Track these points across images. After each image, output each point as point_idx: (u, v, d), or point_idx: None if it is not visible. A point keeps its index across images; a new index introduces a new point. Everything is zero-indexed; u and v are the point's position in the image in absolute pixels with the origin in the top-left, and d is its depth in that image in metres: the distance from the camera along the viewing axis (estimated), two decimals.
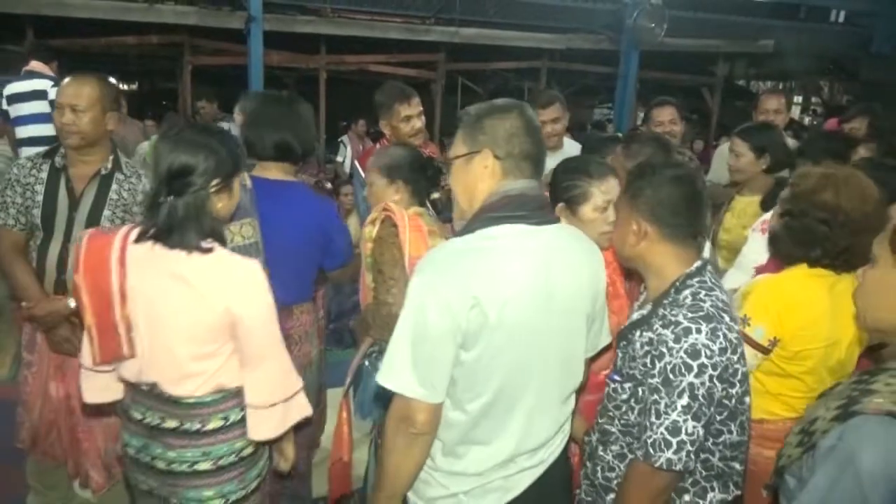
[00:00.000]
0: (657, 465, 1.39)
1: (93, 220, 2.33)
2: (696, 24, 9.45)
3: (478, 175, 1.47)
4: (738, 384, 1.44)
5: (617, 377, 1.55)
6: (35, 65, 4.56)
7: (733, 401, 1.45)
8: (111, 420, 2.44)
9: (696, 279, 1.48)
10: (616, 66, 9.35)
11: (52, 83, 4.37)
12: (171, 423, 1.65)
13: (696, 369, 1.37)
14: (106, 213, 2.34)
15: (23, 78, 4.10)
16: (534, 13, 8.87)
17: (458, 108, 10.96)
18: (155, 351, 1.63)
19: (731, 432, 1.48)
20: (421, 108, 2.98)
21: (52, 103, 4.23)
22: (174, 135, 1.63)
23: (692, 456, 1.39)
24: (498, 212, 1.43)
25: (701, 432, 1.38)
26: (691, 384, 1.37)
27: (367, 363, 2.18)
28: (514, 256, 1.42)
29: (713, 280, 1.49)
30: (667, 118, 3.47)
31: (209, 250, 1.60)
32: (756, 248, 2.40)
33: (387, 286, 2.06)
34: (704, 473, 1.50)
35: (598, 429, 1.63)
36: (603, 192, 1.94)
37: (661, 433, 1.38)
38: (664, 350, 1.40)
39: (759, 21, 9.96)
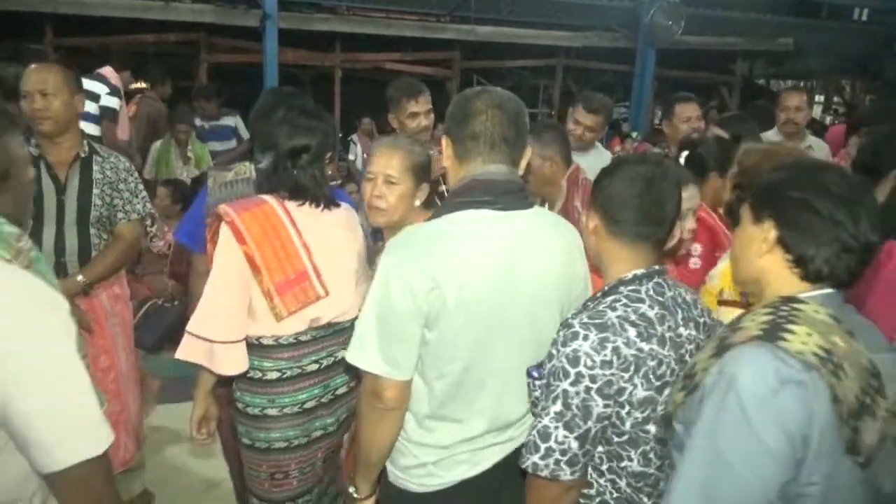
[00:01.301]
0: (524, 465, 1.35)
1: (84, 200, 2.36)
2: (714, 22, 9.34)
3: (447, 159, 1.57)
4: (629, 407, 1.33)
5: (535, 373, 1.47)
6: (106, 70, 4.76)
7: (628, 424, 1.34)
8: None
9: (629, 287, 1.39)
10: (633, 64, 9.27)
11: (108, 90, 4.54)
12: (342, 354, 1.83)
13: (572, 377, 1.30)
14: (95, 191, 2.39)
15: (88, 77, 4.36)
16: (549, 11, 8.83)
17: None
18: (336, 288, 1.97)
19: (631, 460, 1.38)
20: (429, 107, 2.96)
21: (102, 108, 4.34)
22: (289, 121, 1.93)
23: (563, 466, 1.31)
24: (462, 196, 1.48)
25: (574, 444, 1.30)
26: (566, 391, 1.31)
27: None
28: (475, 240, 1.45)
29: (651, 292, 1.39)
30: (693, 114, 3.46)
31: (338, 204, 2.06)
32: None
33: None
34: (615, 495, 1.42)
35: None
36: (685, 199, 1.65)
37: (534, 435, 1.34)
38: (554, 352, 1.35)
39: (779, 19, 9.83)
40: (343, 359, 1.75)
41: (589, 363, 1.29)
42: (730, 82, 10.76)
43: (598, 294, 1.44)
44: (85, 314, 2.37)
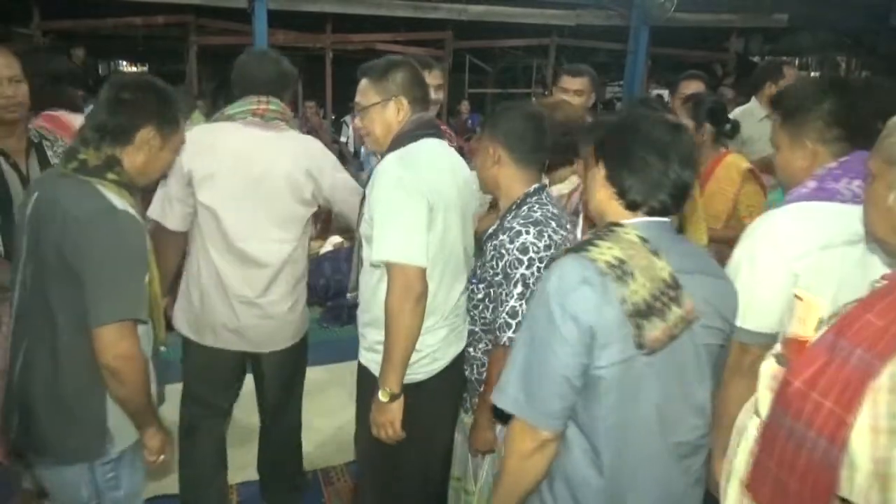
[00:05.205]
0: (502, 342, 1.75)
1: None
2: None
3: (393, 115, 1.90)
4: None
5: (474, 280, 1.92)
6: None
7: None
8: None
9: (534, 198, 1.84)
10: (626, 42, 9.22)
11: None
12: None
13: (526, 262, 1.72)
14: None
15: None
16: None
17: (466, 86, 10.89)
18: None
19: None
20: (440, 82, 2.93)
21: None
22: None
23: None
24: (417, 131, 1.88)
25: None
26: (523, 275, 1.73)
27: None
28: (440, 154, 1.91)
29: (547, 199, 1.87)
30: (698, 90, 3.45)
31: None
32: None
33: None
34: None
35: (468, 332, 1.97)
36: None
37: (504, 317, 1.75)
38: (504, 251, 1.76)
39: None
40: None
41: (535, 249, 1.73)
42: (724, 60, 10.69)
43: (512, 206, 1.85)
44: None
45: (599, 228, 1.37)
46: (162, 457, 1.74)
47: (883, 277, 1.08)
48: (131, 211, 1.59)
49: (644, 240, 1.29)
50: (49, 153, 2.31)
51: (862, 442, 0.92)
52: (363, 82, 1.91)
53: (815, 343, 1.06)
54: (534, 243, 1.72)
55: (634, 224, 1.33)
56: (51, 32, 7.76)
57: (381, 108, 1.89)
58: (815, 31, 10.19)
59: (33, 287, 1.59)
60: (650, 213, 1.35)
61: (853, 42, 11.36)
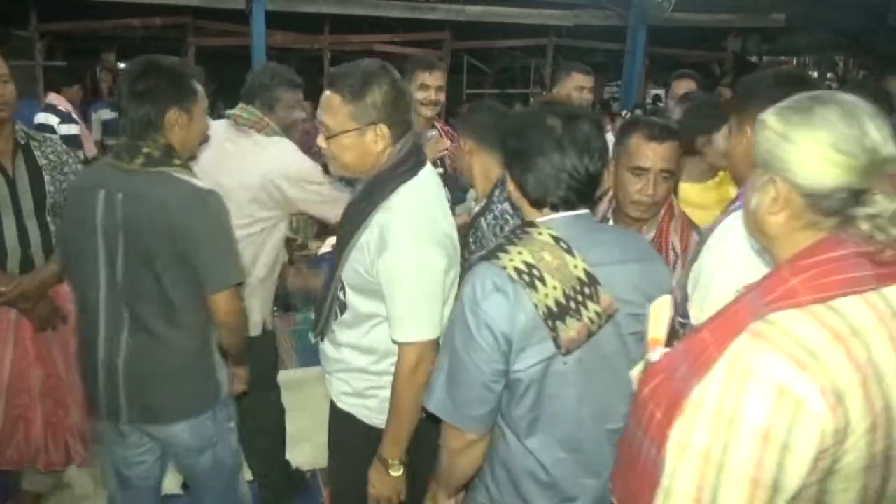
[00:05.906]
0: None
1: (37, 189, 2.24)
2: None
3: (370, 144, 1.61)
4: None
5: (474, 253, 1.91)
6: (52, 97, 4.89)
7: None
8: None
9: None
10: (624, 42, 9.23)
11: (59, 119, 4.69)
12: None
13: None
14: (46, 178, 2.27)
15: (43, 110, 4.76)
16: None
17: (464, 87, 10.90)
18: None
19: None
20: (442, 84, 2.91)
21: (63, 139, 4.31)
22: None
23: None
24: (407, 164, 1.64)
25: None
26: None
27: None
28: (436, 188, 1.71)
29: None
30: (689, 89, 3.48)
31: None
32: None
33: None
34: None
35: None
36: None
37: None
38: (508, 217, 1.87)
39: None
40: None
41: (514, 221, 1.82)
42: (722, 59, 10.71)
43: (497, 183, 1.96)
44: (59, 307, 2.30)
45: (514, 229, 1.42)
46: (243, 386, 2.09)
47: (744, 286, 1.03)
48: (213, 188, 1.74)
49: (557, 239, 1.29)
50: (37, 153, 2.28)
51: (670, 455, 0.97)
52: (333, 98, 1.58)
53: (668, 353, 1.09)
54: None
55: (549, 222, 1.34)
56: (48, 34, 7.76)
57: (356, 135, 1.59)
58: (812, 30, 10.21)
59: (135, 278, 1.71)
60: (555, 209, 1.35)
61: (851, 42, 11.37)
